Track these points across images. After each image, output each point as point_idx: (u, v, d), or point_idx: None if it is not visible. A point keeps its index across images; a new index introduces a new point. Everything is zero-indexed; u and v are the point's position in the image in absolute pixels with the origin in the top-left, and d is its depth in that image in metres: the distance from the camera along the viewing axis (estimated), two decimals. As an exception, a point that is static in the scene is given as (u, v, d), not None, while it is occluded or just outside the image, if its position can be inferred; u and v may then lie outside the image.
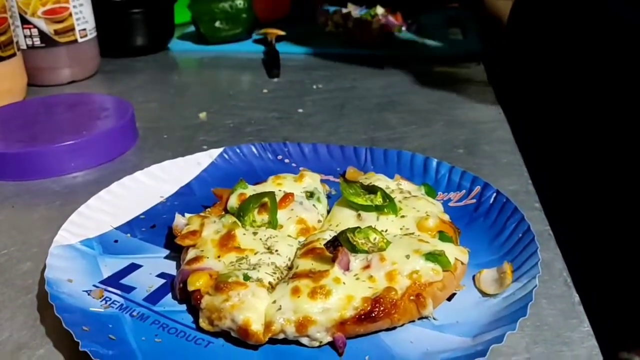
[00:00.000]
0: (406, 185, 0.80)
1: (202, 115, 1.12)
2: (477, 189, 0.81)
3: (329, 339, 0.59)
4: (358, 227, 0.67)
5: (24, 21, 1.19)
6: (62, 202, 0.82)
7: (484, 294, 0.65)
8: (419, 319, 0.62)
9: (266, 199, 0.73)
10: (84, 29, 1.26)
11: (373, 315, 0.59)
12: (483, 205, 0.78)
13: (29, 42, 1.21)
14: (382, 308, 0.59)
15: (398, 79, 1.31)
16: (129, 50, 1.46)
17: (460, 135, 1.03)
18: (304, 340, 0.59)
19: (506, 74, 1.27)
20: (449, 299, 0.65)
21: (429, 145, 1.00)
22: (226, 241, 0.67)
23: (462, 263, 0.67)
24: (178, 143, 1.01)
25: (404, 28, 1.60)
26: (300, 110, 1.14)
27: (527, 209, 0.81)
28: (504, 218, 0.75)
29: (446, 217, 0.73)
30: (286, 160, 0.92)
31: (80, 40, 1.26)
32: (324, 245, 0.63)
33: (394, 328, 0.61)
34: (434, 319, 0.62)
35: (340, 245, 0.63)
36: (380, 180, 0.79)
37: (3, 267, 0.71)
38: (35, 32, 1.20)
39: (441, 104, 1.17)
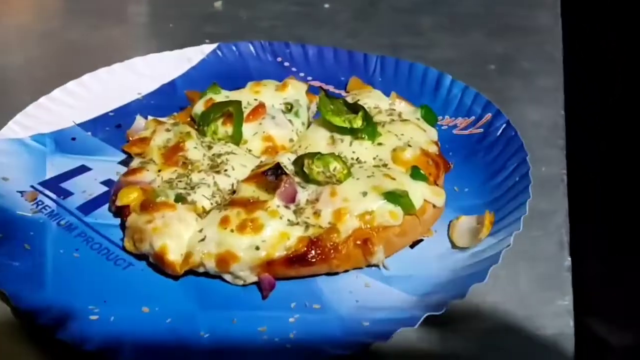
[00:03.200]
0: (402, 105, 0.68)
1: (218, 4, 1.02)
2: (488, 116, 0.68)
3: (254, 279, 0.52)
4: (318, 153, 0.58)
5: None
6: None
7: (454, 246, 0.55)
8: (368, 266, 0.54)
9: (231, 109, 0.65)
10: None
11: (307, 258, 0.51)
12: (488, 138, 0.66)
13: None
14: (318, 251, 0.51)
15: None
16: None
17: (498, 48, 0.88)
18: (227, 277, 0.52)
19: None
20: (413, 245, 0.56)
21: (457, 58, 0.86)
22: (172, 153, 0.60)
23: (435, 206, 0.57)
24: (181, 34, 0.93)
25: None
26: (327, 6, 1.01)
27: (547, 145, 0.68)
28: (506, 156, 0.63)
29: (434, 149, 0.62)
30: (286, 64, 0.82)
31: None
32: (264, 172, 0.55)
33: (336, 273, 0.53)
34: (384, 268, 0.53)
35: (284, 173, 0.54)
36: (370, 98, 0.69)
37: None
38: None
39: (491, 7, 1.00)
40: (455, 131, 0.69)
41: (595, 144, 0.77)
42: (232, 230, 0.52)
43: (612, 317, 0.68)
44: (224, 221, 0.53)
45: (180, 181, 0.58)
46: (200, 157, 0.60)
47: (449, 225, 0.57)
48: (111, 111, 0.73)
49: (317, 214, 0.54)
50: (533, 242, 0.56)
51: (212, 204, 0.56)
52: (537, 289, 0.52)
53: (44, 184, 0.62)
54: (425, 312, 0.46)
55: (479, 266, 0.50)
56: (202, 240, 0.52)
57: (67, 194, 0.61)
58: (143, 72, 0.78)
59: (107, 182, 0.63)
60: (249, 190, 0.56)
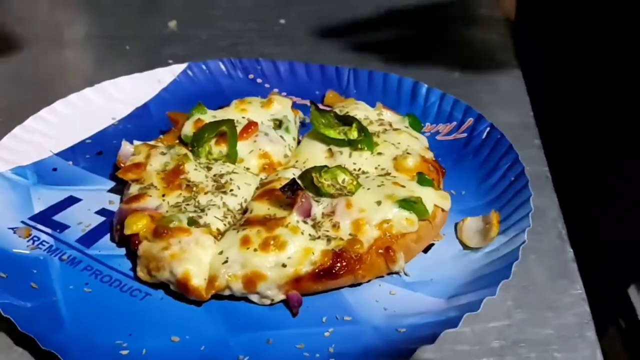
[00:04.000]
0: (389, 115, 0.70)
1: (172, 24, 1.00)
2: (470, 121, 0.71)
3: (282, 297, 0.51)
4: (325, 167, 0.58)
5: None
6: None
7: (465, 247, 0.57)
8: (388, 274, 0.54)
9: (224, 128, 0.64)
10: None
11: (334, 271, 0.51)
12: (474, 141, 0.69)
13: None
14: (344, 263, 0.51)
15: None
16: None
17: (459, 55, 0.92)
18: (254, 298, 0.51)
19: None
20: (425, 250, 0.57)
21: (421, 67, 0.89)
22: (173, 177, 0.59)
23: (443, 210, 0.58)
24: (140, 56, 0.90)
25: None
26: (282, 22, 1.02)
27: (525, 146, 0.71)
28: (496, 157, 0.65)
29: (430, 155, 0.64)
30: (259, 80, 0.82)
31: None
32: (280, 189, 0.54)
33: (359, 284, 0.53)
34: (405, 274, 0.54)
35: (299, 188, 0.54)
36: (359, 109, 0.70)
37: None
38: None
39: (440, 18, 1.04)
40: (438, 137, 0.71)
41: (567, 140, 0.82)
42: (255, 250, 0.51)
43: None
44: (245, 241, 0.52)
45: (188, 204, 0.56)
46: (203, 179, 0.59)
47: (455, 228, 0.59)
48: (88, 138, 0.70)
49: (336, 226, 0.54)
50: (535, 237, 0.58)
51: (225, 224, 0.55)
52: (549, 281, 0.55)
53: (36, 218, 0.58)
54: (463, 312, 0.47)
55: (499, 264, 0.52)
56: (225, 262, 0.51)
57: (62, 227, 0.58)
58: (114, 96, 0.76)
59: (102, 212, 0.60)
60: (263, 208, 0.55)
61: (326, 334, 0.49)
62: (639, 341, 0.71)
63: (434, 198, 0.57)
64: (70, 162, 0.66)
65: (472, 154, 0.68)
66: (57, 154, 0.67)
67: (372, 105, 0.72)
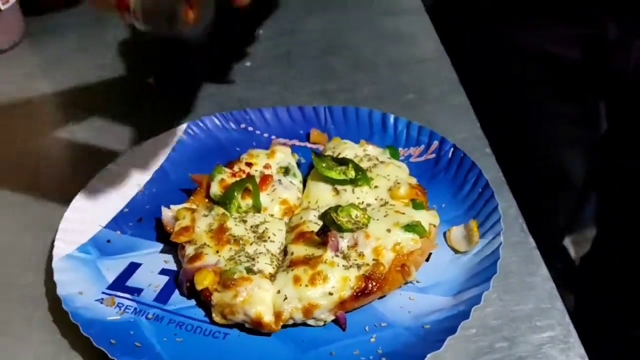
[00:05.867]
0: (372, 150, 0.85)
1: (150, 80, 1.11)
2: (435, 143, 0.88)
3: (332, 317, 0.67)
4: (339, 206, 0.73)
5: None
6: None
7: (456, 251, 0.74)
8: (404, 284, 0.71)
9: (249, 184, 0.78)
10: (5, -4, 1.18)
11: (367, 291, 0.67)
12: (442, 160, 0.86)
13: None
14: (374, 283, 0.67)
15: (336, 17, 1.31)
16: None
17: (408, 78, 1.08)
18: (310, 322, 0.66)
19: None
20: (427, 259, 0.74)
21: (380, 93, 1.04)
22: (220, 234, 0.72)
23: (434, 226, 0.75)
24: (132, 119, 1.01)
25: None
26: (248, 64, 1.15)
27: (479, 155, 0.89)
28: (463, 172, 0.82)
29: (413, 181, 0.80)
30: (250, 128, 0.95)
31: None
32: (316, 234, 0.69)
33: (384, 296, 0.69)
34: (417, 282, 0.71)
35: (329, 230, 0.69)
36: (348, 149, 0.85)
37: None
38: (-49, 4, 1.12)
39: (382, 43, 1.20)
40: (412, 159, 0.88)
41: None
42: (306, 285, 0.66)
43: None
44: (297, 280, 0.67)
45: (240, 256, 0.70)
46: (244, 232, 0.73)
47: (444, 236, 0.76)
48: (125, 207, 0.82)
49: (361, 255, 0.69)
50: (504, 233, 0.76)
51: (273, 267, 0.70)
52: (522, 267, 0.73)
53: (112, 287, 0.71)
54: (470, 306, 0.64)
55: (487, 262, 0.69)
56: (285, 299, 0.66)
57: (138, 291, 0.70)
58: (135, 163, 0.87)
59: (164, 272, 0.73)
60: (302, 250, 0.70)
61: (372, 339, 0.65)
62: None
63: (427, 218, 0.74)
64: (118, 232, 0.78)
65: (443, 172, 0.84)
66: (105, 227, 0.79)
67: (351, 138, 0.88)
